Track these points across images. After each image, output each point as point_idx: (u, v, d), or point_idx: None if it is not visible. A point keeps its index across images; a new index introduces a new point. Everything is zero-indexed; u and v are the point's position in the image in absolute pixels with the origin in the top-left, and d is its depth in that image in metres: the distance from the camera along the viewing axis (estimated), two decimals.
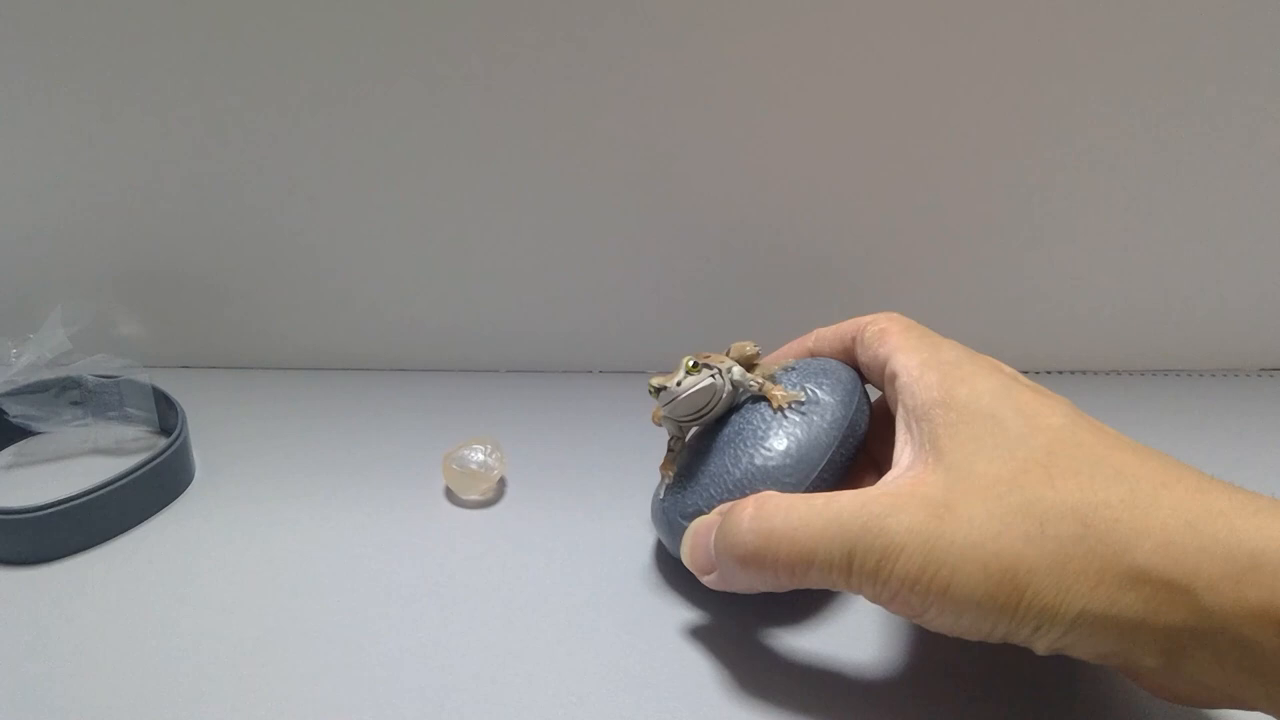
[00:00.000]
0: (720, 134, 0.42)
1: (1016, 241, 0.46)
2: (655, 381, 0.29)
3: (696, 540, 0.28)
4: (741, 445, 0.29)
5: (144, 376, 0.41)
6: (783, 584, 0.25)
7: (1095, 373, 0.49)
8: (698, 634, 0.30)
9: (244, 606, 0.31)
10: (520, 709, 0.27)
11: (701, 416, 0.30)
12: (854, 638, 0.29)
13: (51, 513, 0.33)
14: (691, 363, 0.29)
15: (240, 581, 0.32)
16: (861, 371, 0.31)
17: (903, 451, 0.26)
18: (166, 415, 0.41)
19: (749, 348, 0.32)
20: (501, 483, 0.38)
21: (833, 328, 0.33)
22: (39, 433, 0.41)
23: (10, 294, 0.47)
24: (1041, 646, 0.22)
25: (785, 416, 0.30)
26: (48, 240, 0.47)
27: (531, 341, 0.49)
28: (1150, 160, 0.43)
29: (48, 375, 0.40)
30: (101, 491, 0.34)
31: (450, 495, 0.38)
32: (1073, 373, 0.49)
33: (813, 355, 0.33)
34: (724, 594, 0.30)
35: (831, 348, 0.32)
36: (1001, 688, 0.27)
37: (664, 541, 0.32)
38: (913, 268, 0.47)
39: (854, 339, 0.31)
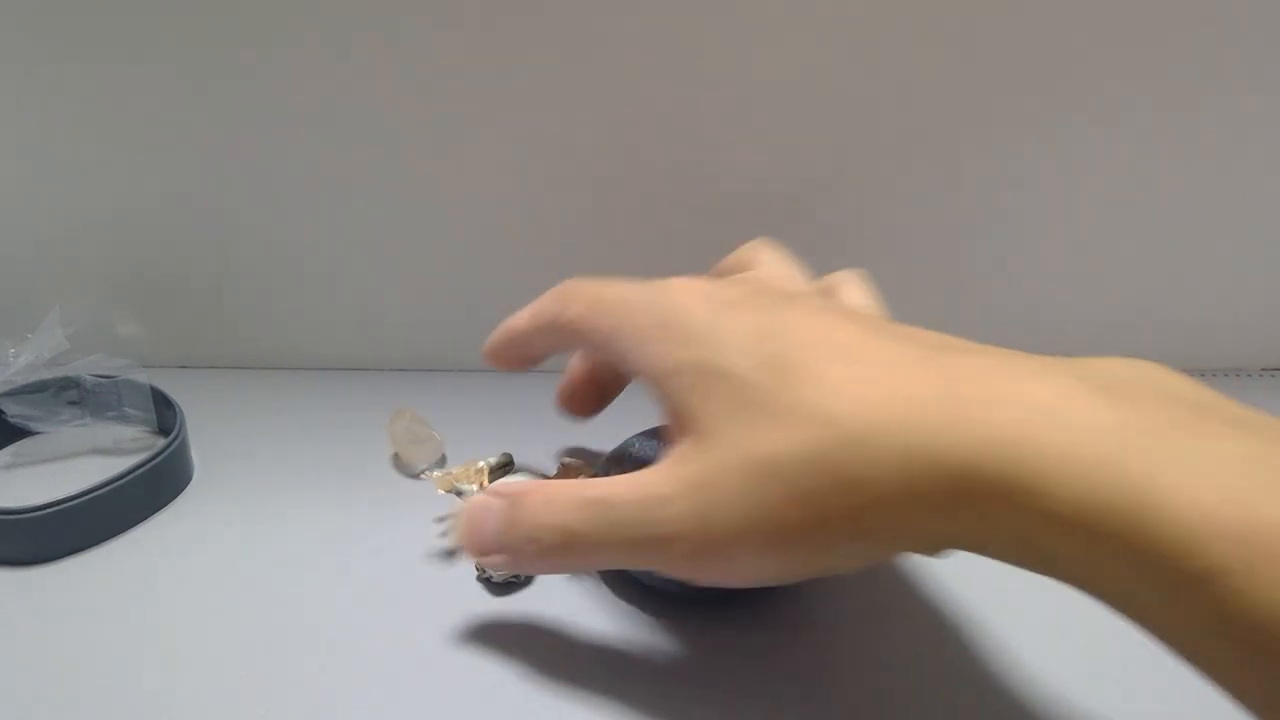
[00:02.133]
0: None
1: (1015, 239, 0.46)
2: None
3: (479, 524, 0.27)
4: None
5: (142, 376, 0.41)
6: (583, 572, 0.27)
7: None
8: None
9: (243, 606, 0.31)
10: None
11: None
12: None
13: (49, 513, 0.33)
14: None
15: (239, 581, 0.32)
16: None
17: (669, 430, 0.26)
18: (165, 415, 0.41)
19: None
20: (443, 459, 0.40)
21: (527, 334, 0.32)
22: (37, 433, 0.41)
23: (8, 294, 0.47)
24: (837, 571, 0.24)
25: None
26: (46, 240, 0.46)
27: None
28: (1150, 158, 0.43)
29: (45, 375, 0.40)
30: (99, 492, 0.34)
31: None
32: None
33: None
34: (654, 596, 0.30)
35: (553, 348, 0.33)
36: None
37: None
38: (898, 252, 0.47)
39: (560, 338, 0.31)
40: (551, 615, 0.31)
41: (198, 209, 0.45)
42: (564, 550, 0.26)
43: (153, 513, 0.36)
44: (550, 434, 0.42)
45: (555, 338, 0.31)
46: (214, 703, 0.27)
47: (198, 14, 0.40)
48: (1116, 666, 0.28)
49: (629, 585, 0.32)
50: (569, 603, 0.31)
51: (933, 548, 0.22)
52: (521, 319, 0.33)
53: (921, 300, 0.46)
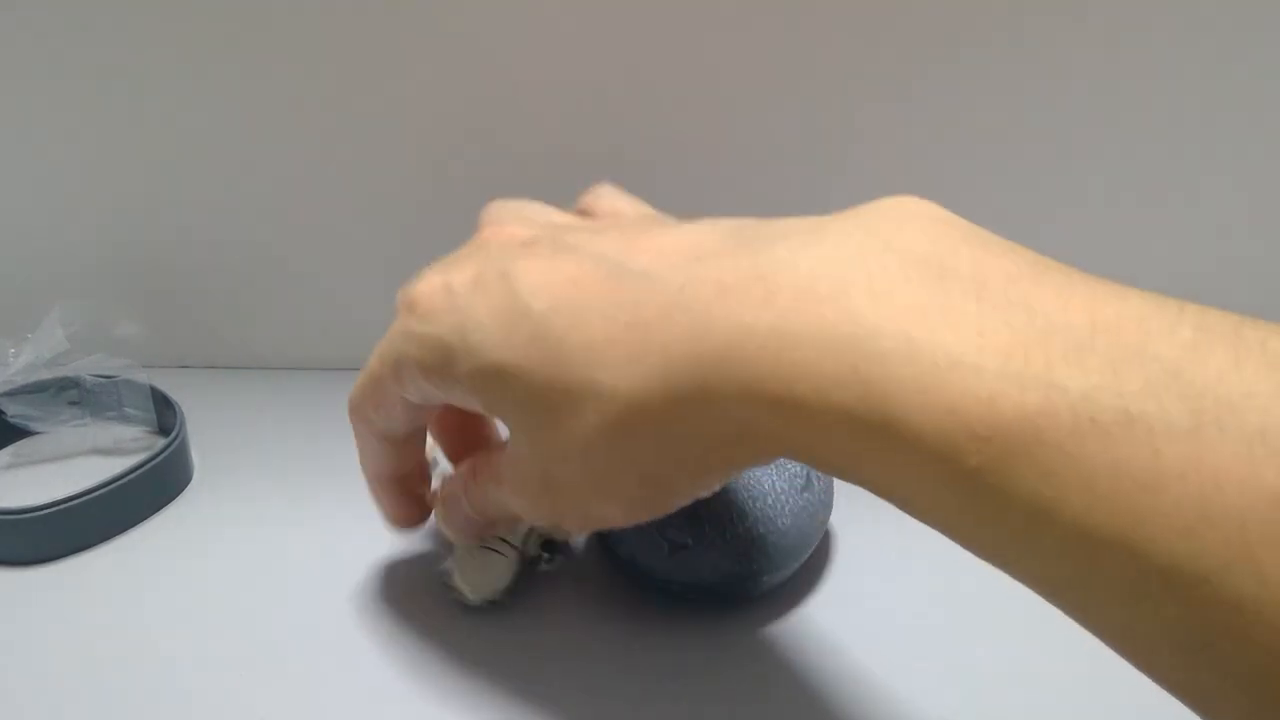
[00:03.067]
0: None
1: (1013, 238, 0.45)
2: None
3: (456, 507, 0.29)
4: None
5: (142, 376, 0.41)
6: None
7: None
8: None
9: (243, 606, 0.31)
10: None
11: None
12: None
13: (49, 513, 0.33)
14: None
15: (240, 581, 0.32)
16: None
17: None
18: (165, 415, 0.41)
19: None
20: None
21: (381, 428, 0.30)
22: (37, 433, 0.41)
23: (8, 294, 0.47)
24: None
25: None
26: (46, 240, 0.46)
27: None
28: (1150, 157, 0.43)
29: (46, 375, 0.40)
30: (99, 492, 0.34)
31: None
32: None
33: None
34: (654, 595, 0.30)
35: (412, 425, 0.29)
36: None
37: None
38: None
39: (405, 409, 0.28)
40: (546, 617, 0.31)
41: (197, 209, 0.45)
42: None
43: (153, 513, 0.36)
44: None
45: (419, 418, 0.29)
46: (214, 702, 0.27)
47: (198, 15, 0.40)
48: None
49: (622, 578, 0.32)
50: (565, 605, 0.31)
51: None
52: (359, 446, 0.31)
53: None
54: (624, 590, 0.31)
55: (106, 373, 0.41)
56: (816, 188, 0.43)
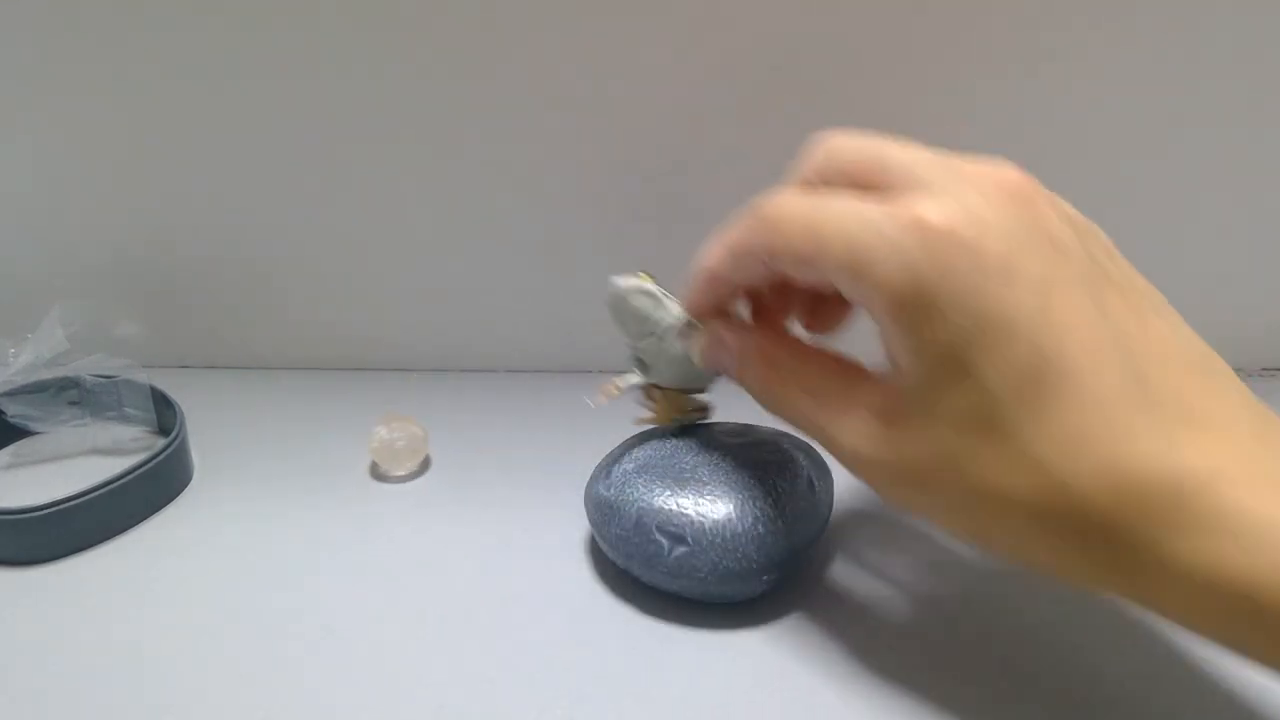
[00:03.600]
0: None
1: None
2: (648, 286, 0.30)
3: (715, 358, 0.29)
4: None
5: (142, 376, 0.41)
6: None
7: None
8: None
9: (243, 606, 0.31)
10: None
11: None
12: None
13: (49, 513, 0.33)
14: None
15: (239, 581, 0.32)
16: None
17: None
18: (165, 415, 0.41)
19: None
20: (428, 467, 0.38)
21: (729, 271, 0.27)
22: (37, 433, 0.41)
23: (8, 294, 0.47)
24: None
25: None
26: (46, 240, 0.46)
27: (534, 341, 0.49)
28: (1150, 157, 0.43)
29: (46, 375, 0.40)
30: (99, 492, 0.34)
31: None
32: None
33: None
34: (655, 595, 0.31)
35: (758, 278, 0.27)
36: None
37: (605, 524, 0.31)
38: None
39: (766, 267, 0.26)
40: (544, 616, 0.31)
41: (198, 210, 0.45)
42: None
43: (153, 512, 0.36)
44: (547, 434, 0.42)
45: (765, 278, 0.27)
46: (214, 702, 0.27)
47: (199, 16, 0.40)
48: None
49: (623, 577, 0.32)
50: (563, 602, 0.31)
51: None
52: (716, 262, 0.27)
53: None
54: (624, 589, 0.31)
55: (106, 373, 0.41)
56: None
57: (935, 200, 0.22)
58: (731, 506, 0.29)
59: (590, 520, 0.32)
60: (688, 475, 0.30)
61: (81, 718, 0.26)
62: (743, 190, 0.43)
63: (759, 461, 0.31)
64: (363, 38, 0.41)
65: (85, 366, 0.40)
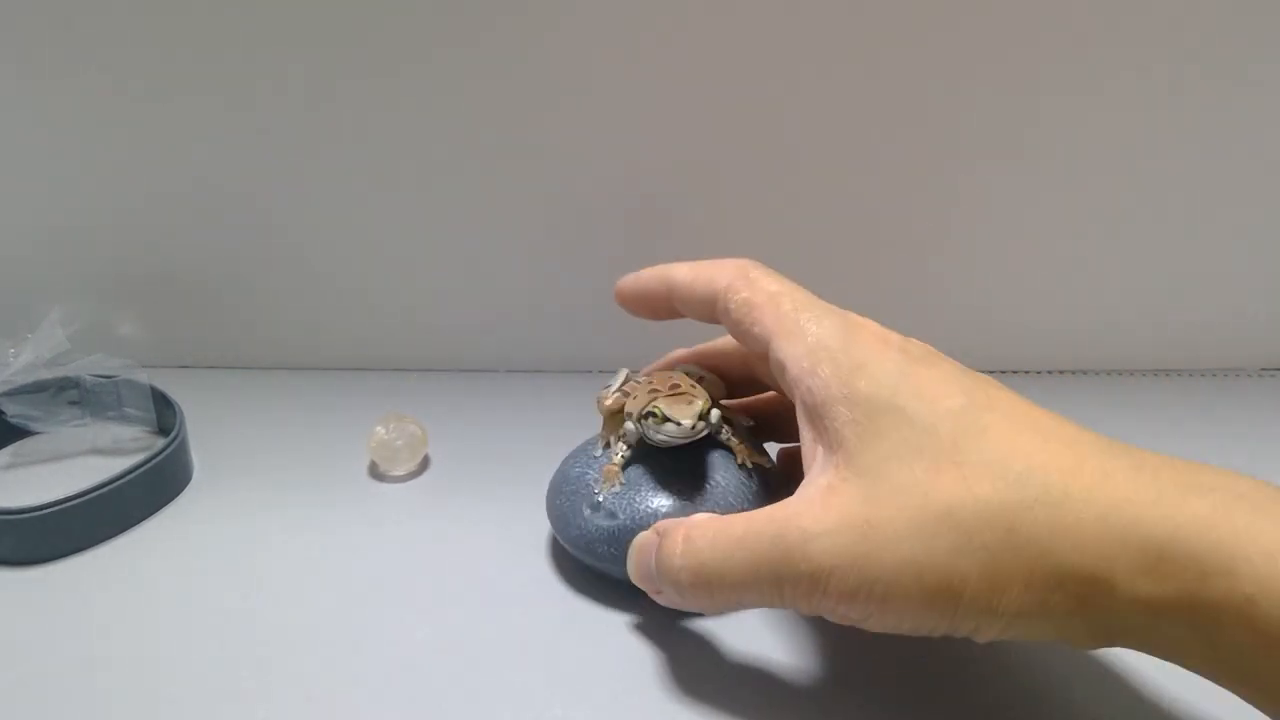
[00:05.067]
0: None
1: (1012, 237, 0.45)
2: (667, 411, 0.29)
3: (641, 559, 0.27)
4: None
5: (142, 376, 0.41)
6: (728, 610, 0.27)
7: (1095, 373, 0.49)
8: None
9: (243, 606, 0.31)
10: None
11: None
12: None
13: (49, 513, 0.33)
14: (705, 408, 0.30)
15: (239, 581, 0.32)
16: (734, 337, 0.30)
17: (813, 453, 0.25)
18: (165, 415, 0.41)
19: (714, 386, 0.33)
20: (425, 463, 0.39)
21: (687, 285, 0.29)
22: (37, 433, 0.41)
23: (9, 294, 0.47)
24: (981, 640, 0.23)
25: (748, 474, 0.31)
26: (46, 240, 0.46)
27: (534, 341, 0.49)
28: (1151, 157, 0.43)
29: (46, 375, 0.40)
30: (100, 492, 0.34)
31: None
32: (1073, 373, 0.49)
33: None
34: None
35: (697, 310, 0.30)
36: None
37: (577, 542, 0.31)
38: (886, 260, 0.47)
39: (715, 305, 0.29)
40: (556, 612, 0.31)
41: (198, 210, 0.45)
42: (705, 589, 0.25)
43: (153, 512, 0.36)
44: (547, 434, 0.42)
45: (708, 305, 0.29)
46: (213, 702, 0.27)
47: (200, 17, 0.40)
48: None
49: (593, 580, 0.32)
50: (576, 603, 0.31)
51: (1094, 634, 0.22)
52: (682, 277, 0.30)
53: (925, 299, 0.46)
54: (624, 586, 0.31)
55: (107, 373, 0.41)
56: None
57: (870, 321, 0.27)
58: (667, 495, 0.30)
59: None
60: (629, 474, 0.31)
61: (81, 717, 0.26)
62: (744, 190, 0.44)
63: (697, 452, 0.31)
64: (363, 38, 0.41)
65: (85, 366, 0.40)
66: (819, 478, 0.24)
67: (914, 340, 0.26)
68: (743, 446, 0.31)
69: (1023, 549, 0.21)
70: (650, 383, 0.31)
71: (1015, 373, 0.49)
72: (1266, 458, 0.40)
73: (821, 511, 0.23)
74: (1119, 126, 0.42)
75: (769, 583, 0.24)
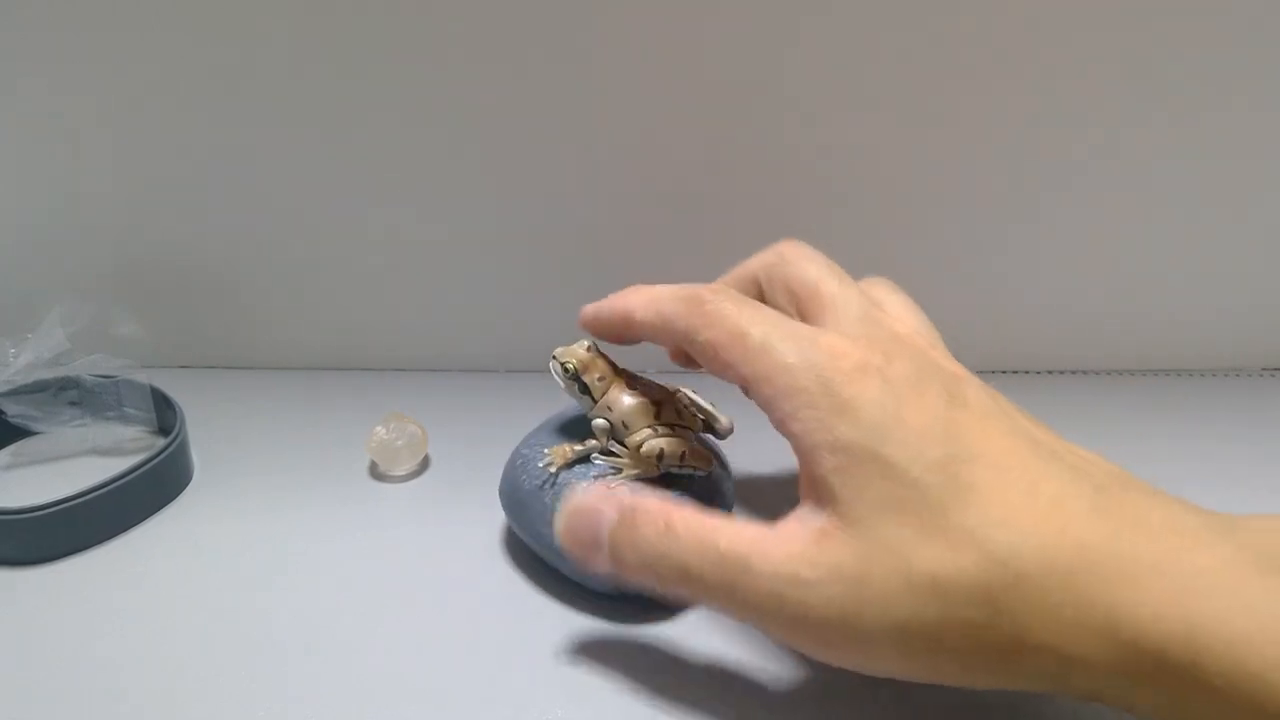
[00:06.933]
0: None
1: (1011, 237, 0.46)
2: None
3: (586, 523, 0.26)
4: None
5: (142, 376, 0.41)
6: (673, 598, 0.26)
7: (1095, 373, 0.49)
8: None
9: (243, 606, 0.31)
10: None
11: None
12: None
13: (49, 513, 0.33)
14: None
15: (239, 581, 0.32)
16: None
17: (807, 490, 0.25)
18: (165, 415, 0.41)
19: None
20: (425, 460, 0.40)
21: (645, 324, 0.29)
22: (37, 433, 0.41)
23: (9, 294, 0.47)
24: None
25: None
26: (46, 240, 0.46)
27: (534, 341, 0.49)
28: (1151, 157, 0.43)
29: (46, 375, 0.40)
30: (100, 492, 0.34)
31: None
32: (1072, 372, 0.49)
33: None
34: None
35: (664, 344, 0.30)
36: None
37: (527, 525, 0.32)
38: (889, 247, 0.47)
39: (679, 343, 0.28)
40: (556, 611, 0.31)
41: (198, 210, 0.45)
42: (680, 587, 0.25)
43: (153, 512, 0.36)
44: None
45: (673, 343, 0.29)
46: (213, 701, 0.27)
47: (200, 17, 0.40)
48: None
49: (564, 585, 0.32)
50: (576, 602, 0.31)
51: (1076, 693, 0.22)
52: (639, 315, 0.29)
53: (932, 298, 0.46)
54: (559, 590, 0.31)
55: (107, 373, 0.41)
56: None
57: (849, 339, 0.25)
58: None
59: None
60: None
61: (82, 717, 0.26)
62: (744, 190, 0.44)
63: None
64: (363, 39, 0.41)
65: (85, 366, 0.40)
66: (811, 519, 0.24)
67: (896, 347, 0.25)
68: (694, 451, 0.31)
69: (1002, 627, 0.21)
70: (645, 393, 0.32)
71: (1015, 373, 0.49)
72: (1267, 458, 0.40)
73: (813, 558, 0.23)
74: (1119, 126, 0.42)
75: (752, 609, 0.24)
